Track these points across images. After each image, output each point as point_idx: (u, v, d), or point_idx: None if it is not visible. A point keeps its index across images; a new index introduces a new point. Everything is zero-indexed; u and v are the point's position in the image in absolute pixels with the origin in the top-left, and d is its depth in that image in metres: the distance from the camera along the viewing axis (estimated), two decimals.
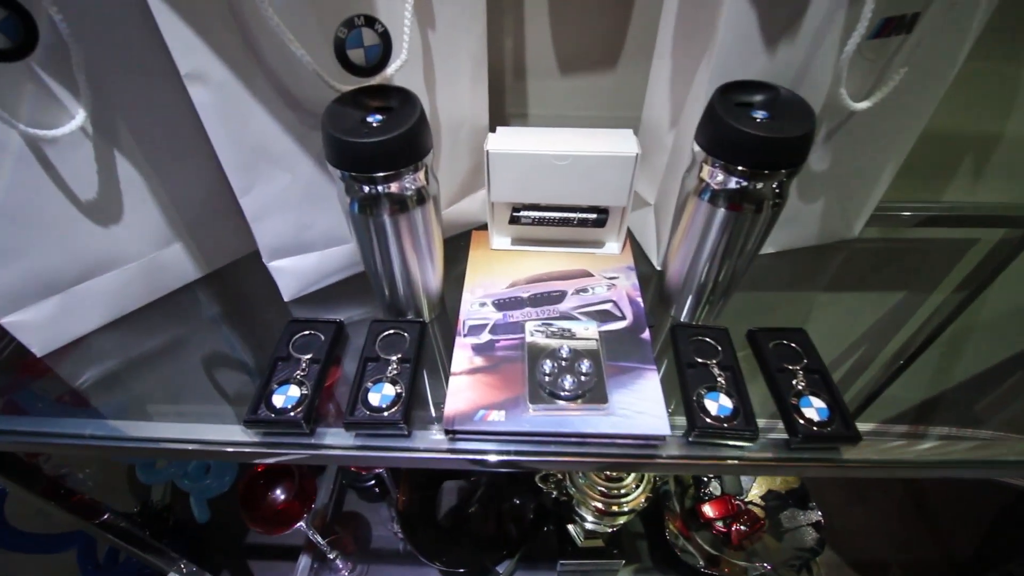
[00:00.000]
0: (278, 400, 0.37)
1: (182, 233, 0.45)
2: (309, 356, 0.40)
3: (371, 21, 0.34)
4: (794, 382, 0.38)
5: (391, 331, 0.41)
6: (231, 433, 0.37)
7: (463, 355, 0.40)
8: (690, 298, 0.43)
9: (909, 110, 0.41)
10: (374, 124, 0.32)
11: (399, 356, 0.39)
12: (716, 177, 0.35)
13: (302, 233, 0.42)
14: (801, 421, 0.36)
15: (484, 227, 0.51)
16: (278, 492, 0.68)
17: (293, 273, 0.44)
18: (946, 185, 0.58)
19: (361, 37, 0.34)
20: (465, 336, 0.41)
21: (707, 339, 0.41)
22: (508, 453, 0.35)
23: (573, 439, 0.35)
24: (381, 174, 0.33)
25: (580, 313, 0.43)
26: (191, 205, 0.45)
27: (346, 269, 0.47)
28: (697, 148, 0.35)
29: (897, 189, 0.52)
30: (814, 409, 0.36)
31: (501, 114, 0.53)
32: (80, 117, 0.35)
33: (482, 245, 0.50)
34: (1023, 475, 0.36)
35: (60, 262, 0.40)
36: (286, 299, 0.46)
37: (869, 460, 0.35)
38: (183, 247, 0.46)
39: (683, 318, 0.45)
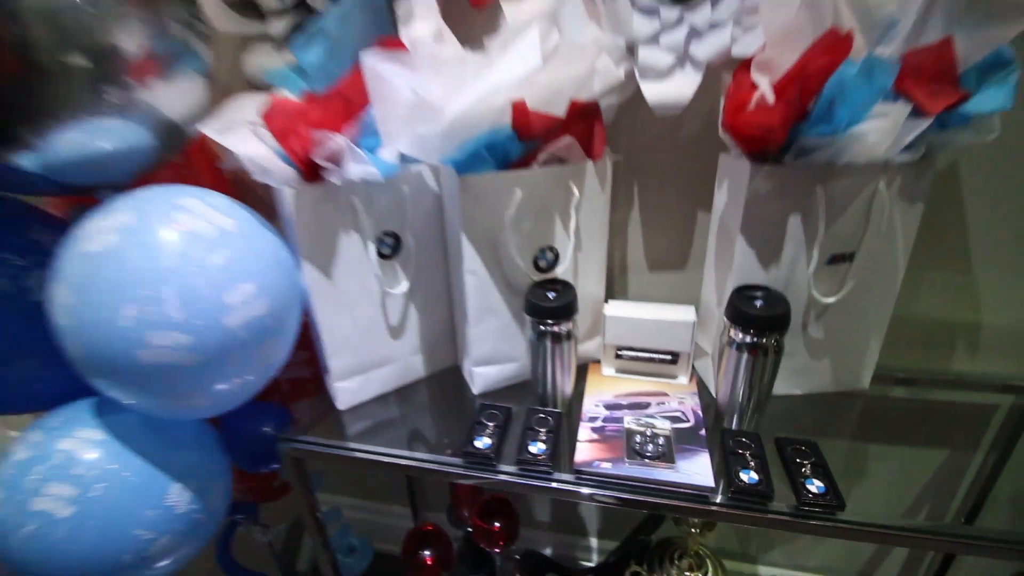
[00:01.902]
0: (478, 444, 0.64)
1: (424, 348, 0.79)
2: (493, 423, 0.68)
3: (551, 248, 0.69)
4: (804, 469, 0.58)
5: (542, 415, 0.69)
6: (446, 462, 0.65)
7: (585, 431, 0.65)
8: (735, 414, 0.66)
9: (870, 303, 0.66)
10: (551, 297, 0.65)
11: (546, 429, 0.66)
12: (738, 336, 0.61)
13: (495, 353, 0.74)
14: (806, 493, 0.55)
15: (598, 361, 0.79)
16: (427, 553, 0.90)
17: (485, 376, 0.75)
18: (950, 359, 0.78)
19: (546, 255, 0.69)
20: (586, 422, 0.67)
21: (744, 439, 0.63)
22: (613, 488, 0.59)
23: (652, 483, 0.58)
24: (551, 321, 0.64)
25: (659, 416, 0.68)
26: (432, 332, 0.79)
27: (514, 378, 0.77)
28: (726, 320, 0.63)
29: (909, 359, 0.74)
30: (815, 486, 0.56)
31: (612, 292, 0.84)
32: (405, 285, 0.71)
33: (596, 372, 0.78)
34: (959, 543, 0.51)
35: (369, 357, 0.74)
36: (475, 392, 0.76)
37: (852, 521, 0.53)
38: (423, 357, 0.79)
39: (732, 426, 0.67)
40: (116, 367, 0.52)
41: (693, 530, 0.77)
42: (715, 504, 0.57)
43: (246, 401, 0.66)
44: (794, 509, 0.55)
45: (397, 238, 0.70)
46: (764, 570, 1.05)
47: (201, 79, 0.62)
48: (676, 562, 0.80)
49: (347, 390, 0.74)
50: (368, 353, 0.73)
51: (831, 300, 0.63)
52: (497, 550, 0.92)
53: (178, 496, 0.64)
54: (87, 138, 0.55)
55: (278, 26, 0.73)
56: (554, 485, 0.61)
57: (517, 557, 0.96)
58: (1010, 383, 0.76)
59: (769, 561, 1.05)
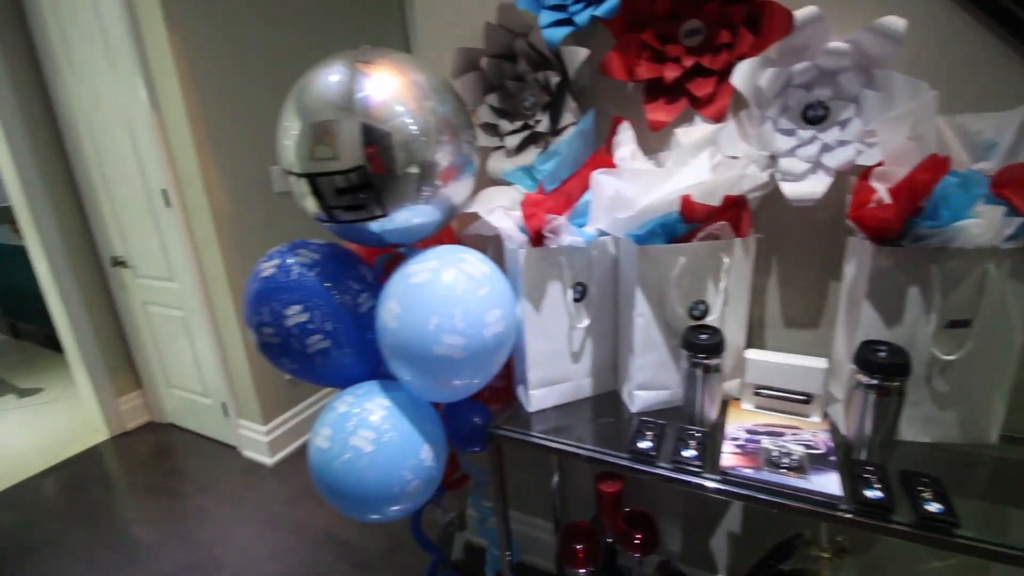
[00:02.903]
0: (641, 445, 0.85)
1: (593, 373, 1.03)
2: (651, 433, 0.88)
3: (704, 302, 0.90)
4: (924, 494, 0.70)
5: (692, 431, 0.87)
6: (615, 455, 0.86)
7: (728, 446, 0.83)
8: (863, 448, 0.80)
9: (990, 363, 0.76)
10: (703, 338, 0.85)
11: (696, 441, 0.85)
12: (865, 379, 0.76)
13: (650, 380, 0.95)
14: (925, 511, 0.68)
15: (737, 399, 0.96)
16: (578, 547, 1.09)
17: (643, 399, 0.96)
18: None
19: (699, 307, 0.90)
20: (729, 440, 0.85)
21: (871, 467, 0.76)
22: (752, 489, 0.75)
23: (786, 488, 0.74)
24: (704, 355, 0.84)
25: (793, 442, 0.83)
26: (600, 362, 1.02)
27: (665, 403, 0.97)
28: (855, 367, 0.78)
29: None
30: (935, 507, 0.68)
31: (751, 344, 1.02)
32: (587, 322, 0.97)
33: (736, 407, 0.95)
34: None
35: (555, 374, 0.99)
36: (633, 411, 0.97)
37: (968, 536, 0.64)
38: (591, 380, 1.03)
39: (861, 458, 0.80)
40: (418, 355, 0.83)
41: (824, 555, 0.87)
42: (841, 510, 0.71)
43: (466, 397, 0.95)
44: (913, 522, 0.68)
45: (585, 287, 0.96)
46: None
47: (472, 178, 0.96)
48: None
49: (537, 397, 0.99)
50: (555, 371, 0.99)
51: (951, 358, 0.76)
52: (637, 555, 1.08)
53: (426, 454, 0.92)
54: (410, 216, 0.90)
55: (511, 141, 1.07)
56: (704, 482, 0.79)
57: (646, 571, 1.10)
58: None
59: None
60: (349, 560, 1.62)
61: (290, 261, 0.94)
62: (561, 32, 0.94)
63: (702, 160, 0.80)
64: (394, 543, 1.67)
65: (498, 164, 1.09)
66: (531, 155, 1.06)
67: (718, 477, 0.78)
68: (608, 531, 1.14)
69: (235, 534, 1.78)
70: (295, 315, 0.90)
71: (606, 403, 1.03)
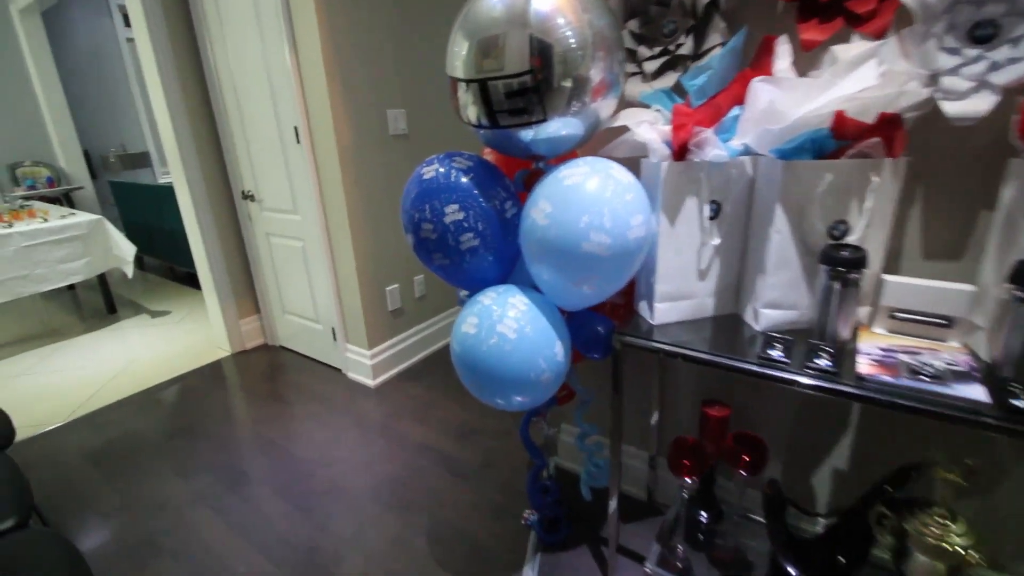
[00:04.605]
0: (773, 353, 0.89)
1: (715, 293, 1.07)
2: (781, 345, 0.92)
3: (844, 222, 0.92)
4: None
5: (823, 345, 0.90)
6: (746, 360, 0.90)
7: (863, 359, 0.85)
8: (1010, 367, 0.79)
9: None
10: (847, 254, 0.87)
11: (827, 355, 0.87)
12: (1019, 294, 0.76)
13: (779, 299, 0.98)
14: None
15: (867, 325, 0.97)
16: (684, 459, 1.15)
17: (770, 317, 0.99)
18: None
19: (839, 227, 0.92)
20: (863, 355, 0.87)
21: (1017, 384, 0.76)
22: (890, 394, 0.78)
23: (928, 394, 0.76)
24: (844, 269, 0.86)
25: (932, 359, 0.84)
26: (724, 282, 1.06)
27: (792, 323, 0.99)
28: (1010, 285, 0.77)
29: None
30: None
31: (888, 271, 1.02)
32: (718, 240, 1.01)
33: (866, 331, 0.96)
34: None
35: (681, 289, 1.04)
36: (759, 329, 1.00)
37: None
38: (713, 300, 1.07)
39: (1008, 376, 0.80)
40: (566, 251, 0.90)
41: (950, 476, 0.88)
42: (987, 416, 0.72)
43: (591, 305, 1.02)
44: None
45: (720, 206, 1.00)
46: None
47: (616, 99, 1.02)
48: (927, 510, 0.91)
49: (662, 310, 1.05)
50: (681, 286, 1.04)
51: None
52: (744, 472, 1.13)
53: (558, 350, 1.01)
54: (559, 126, 0.96)
55: (649, 66, 1.11)
56: (837, 387, 0.82)
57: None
58: None
59: (1021, 573, 1.05)
60: (447, 469, 1.77)
61: (447, 168, 1.04)
62: None
63: (867, 69, 0.81)
64: (488, 460, 1.81)
65: (635, 88, 1.13)
66: (669, 80, 1.10)
67: (853, 382, 0.81)
68: (710, 456, 1.19)
69: (345, 438, 1.98)
70: (453, 213, 1.00)
71: (726, 324, 1.07)
